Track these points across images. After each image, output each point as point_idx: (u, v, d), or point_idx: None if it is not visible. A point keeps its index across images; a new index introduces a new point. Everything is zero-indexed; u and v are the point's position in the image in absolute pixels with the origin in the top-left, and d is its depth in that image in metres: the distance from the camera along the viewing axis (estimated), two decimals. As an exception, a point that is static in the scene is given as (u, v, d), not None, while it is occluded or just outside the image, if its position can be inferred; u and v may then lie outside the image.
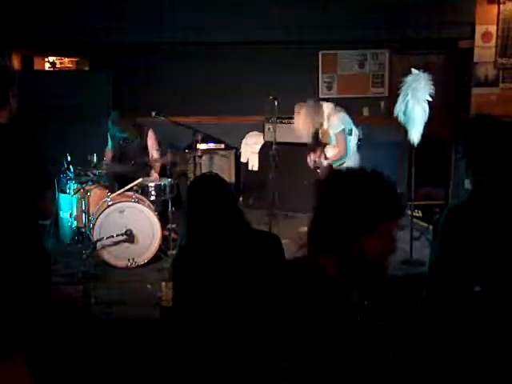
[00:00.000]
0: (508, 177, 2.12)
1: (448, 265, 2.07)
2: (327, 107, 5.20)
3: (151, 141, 5.79)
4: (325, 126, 5.15)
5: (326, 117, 5.14)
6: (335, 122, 5.09)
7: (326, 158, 5.21)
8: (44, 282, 2.76)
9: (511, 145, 2.13)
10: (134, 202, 5.17)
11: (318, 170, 5.30)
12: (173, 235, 5.33)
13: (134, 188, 5.39)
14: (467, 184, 2.26)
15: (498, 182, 2.12)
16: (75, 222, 5.43)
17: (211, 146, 7.10)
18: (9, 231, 2.60)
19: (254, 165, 7.15)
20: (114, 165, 5.74)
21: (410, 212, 5.50)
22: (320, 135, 5.22)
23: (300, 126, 5.23)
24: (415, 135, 4.97)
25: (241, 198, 7.10)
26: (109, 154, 5.90)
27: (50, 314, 2.87)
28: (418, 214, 6.27)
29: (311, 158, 5.33)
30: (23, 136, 2.62)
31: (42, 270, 2.75)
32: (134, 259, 5.08)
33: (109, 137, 5.92)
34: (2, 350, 2.07)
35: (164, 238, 5.25)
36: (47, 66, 8.21)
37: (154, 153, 5.73)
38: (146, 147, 5.81)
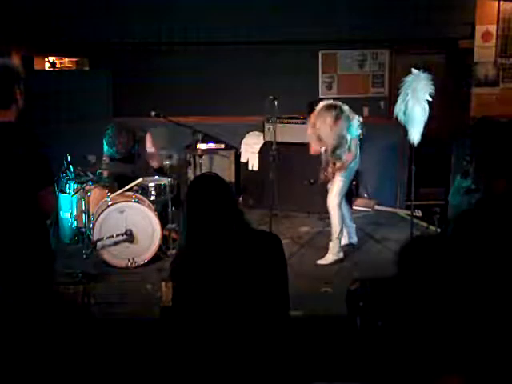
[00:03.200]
0: None
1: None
2: (346, 109, 5.06)
3: (149, 143, 5.81)
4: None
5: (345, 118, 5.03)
6: (354, 126, 5.05)
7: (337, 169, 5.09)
8: (47, 278, 2.78)
9: None
10: (134, 201, 5.17)
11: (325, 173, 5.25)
12: (173, 235, 5.33)
13: (134, 188, 5.38)
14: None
15: (509, 184, 2.11)
16: (75, 222, 5.43)
17: (211, 145, 7.10)
18: (14, 226, 2.62)
19: (254, 165, 7.15)
20: (114, 164, 5.74)
21: (410, 212, 5.50)
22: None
23: (323, 134, 5.01)
24: (415, 135, 4.97)
25: (241, 198, 7.10)
26: (107, 158, 5.87)
27: (52, 311, 2.88)
28: (418, 214, 6.28)
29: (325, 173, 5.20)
30: (30, 134, 2.65)
31: (46, 265, 2.76)
32: (134, 259, 5.08)
33: (105, 144, 5.88)
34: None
35: (164, 238, 5.24)
36: (47, 66, 8.21)
37: (151, 150, 5.76)
38: (144, 150, 5.83)
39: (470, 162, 2.20)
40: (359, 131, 5.07)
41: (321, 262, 5.18)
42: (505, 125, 2.20)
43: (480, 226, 2.07)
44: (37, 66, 8.02)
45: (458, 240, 2.12)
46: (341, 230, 5.17)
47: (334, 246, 5.18)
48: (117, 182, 5.70)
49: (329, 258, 5.18)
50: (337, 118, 4.98)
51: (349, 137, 5.03)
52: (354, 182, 7.07)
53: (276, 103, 5.19)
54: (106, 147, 5.78)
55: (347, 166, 5.11)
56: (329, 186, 5.26)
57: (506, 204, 2.10)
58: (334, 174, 5.17)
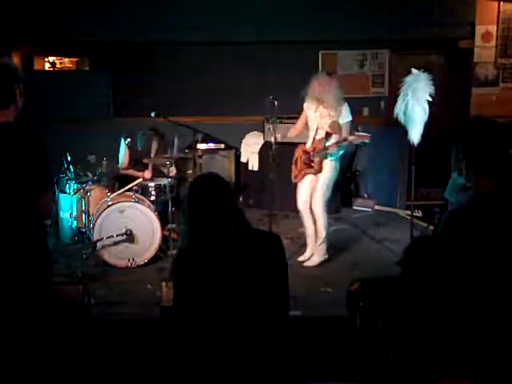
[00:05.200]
0: (509, 179, 2.12)
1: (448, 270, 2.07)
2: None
3: (155, 146, 5.85)
4: (332, 113, 5.01)
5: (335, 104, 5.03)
6: (344, 112, 5.03)
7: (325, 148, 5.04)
8: (46, 280, 2.77)
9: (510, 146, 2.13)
10: (134, 201, 5.17)
11: (312, 162, 5.20)
12: (173, 235, 5.33)
13: (134, 188, 5.39)
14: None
15: (498, 184, 2.12)
16: (75, 222, 5.43)
17: (211, 146, 7.09)
18: (12, 228, 2.62)
19: (254, 165, 7.15)
20: (115, 166, 5.75)
21: (410, 212, 5.50)
22: (328, 125, 5.05)
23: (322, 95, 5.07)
24: (415, 135, 4.97)
25: (241, 198, 7.10)
26: (125, 160, 5.88)
27: (51, 312, 2.88)
28: (418, 214, 6.28)
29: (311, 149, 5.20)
30: (29, 134, 2.65)
31: (44, 267, 2.76)
32: (133, 259, 5.08)
33: (123, 146, 5.88)
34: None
35: (164, 238, 5.24)
36: (47, 66, 8.21)
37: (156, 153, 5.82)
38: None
39: (463, 160, 2.21)
40: (350, 118, 5.01)
41: (308, 263, 5.14)
42: (498, 125, 2.19)
43: (467, 226, 2.07)
44: (37, 66, 8.03)
45: (446, 240, 2.13)
46: (327, 232, 5.15)
47: (321, 248, 5.15)
48: (117, 181, 5.71)
49: (315, 259, 5.15)
50: (329, 75, 5.23)
51: (340, 120, 4.99)
52: (354, 182, 7.09)
53: (276, 103, 5.19)
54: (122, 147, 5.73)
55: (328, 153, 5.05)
56: (299, 185, 5.22)
57: (492, 203, 2.10)
58: (306, 172, 5.15)
